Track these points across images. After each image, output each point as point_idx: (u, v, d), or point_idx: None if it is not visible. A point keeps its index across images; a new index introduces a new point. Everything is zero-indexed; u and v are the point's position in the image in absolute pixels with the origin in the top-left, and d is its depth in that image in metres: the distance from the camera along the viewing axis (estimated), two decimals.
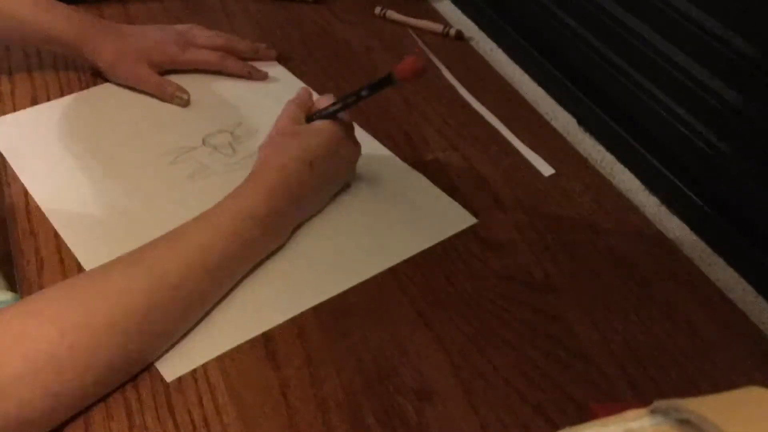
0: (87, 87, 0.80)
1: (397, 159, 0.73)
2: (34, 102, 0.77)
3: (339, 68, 0.85)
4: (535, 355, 0.57)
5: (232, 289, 0.59)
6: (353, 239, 0.64)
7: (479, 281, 0.62)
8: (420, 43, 0.91)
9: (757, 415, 0.24)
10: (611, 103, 0.76)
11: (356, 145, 0.68)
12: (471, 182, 0.72)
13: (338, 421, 0.52)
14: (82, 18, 0.77)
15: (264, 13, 0.95)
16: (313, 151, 0.63)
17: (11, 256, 0.63)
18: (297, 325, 0.58)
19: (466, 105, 0.82)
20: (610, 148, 0.76)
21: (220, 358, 0.55)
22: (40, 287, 0.58)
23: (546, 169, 0.74)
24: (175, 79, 0.79)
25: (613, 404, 0.53)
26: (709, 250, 0.66)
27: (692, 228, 0.67)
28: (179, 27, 0.82)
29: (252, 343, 0.56)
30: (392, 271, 0.63)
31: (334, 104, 0.66)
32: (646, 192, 0.72)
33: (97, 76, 0.81)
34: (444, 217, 0.67)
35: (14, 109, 0.76)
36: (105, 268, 0.54)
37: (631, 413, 0.25)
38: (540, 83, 0.84)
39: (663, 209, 0.70)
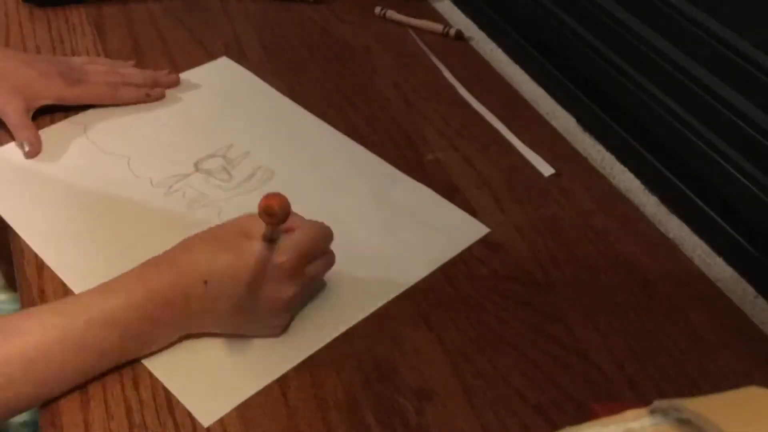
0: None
1: (400, 173, 0.71)
2: None
3: (339, 68, 0.85)
4: (535, 355, 0.57)
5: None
6: (367, 265, 0.62)
7: (479, 281, 0.62)
8: (420, 43, 0.91)
9: (757, 415, 0.24)
10: (611, 103, 0.76)
11: (289, 287, 0.53)
12: (471, 182, 0.72)
13: (338, 421, 0.52)
14: None
15: (264, 13, 0.94)
16: (217, 269, 0.51)
17: (11, 256, 0.63)
18: None
19: (466, 105, 0.82)
20: (610, 148, 0.76)
21: None
22: (40, 287, 0.58)
23: (546, 169, 0.74)
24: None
25: (613, 404, 0.53)
26: (709, 250, 0.66)
27: (692, 228, 0.67)
28: (74, 60, 0.78)
29: None
30: None
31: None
32: (646, 192, 0.72)
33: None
34: (455, 230, 0.66)
35: None
36: None
37: (631, 413, 0.25)
38: (540, 83, 0.84)
39: (663, 209, 0.70)
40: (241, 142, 0.74)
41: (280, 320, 0.56)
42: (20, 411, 0.50)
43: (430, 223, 0.67)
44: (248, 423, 0.51)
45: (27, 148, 0.70)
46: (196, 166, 0.70)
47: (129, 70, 0.79)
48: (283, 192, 0.49)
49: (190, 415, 0.51)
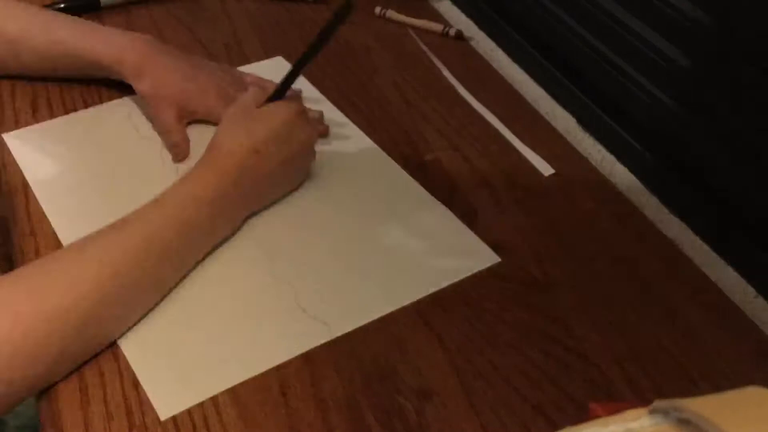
0: (87, 88, 0.80)
1: (421, 188, 0.70)
2: (34, 105, 0.77)
3: (339, 68, 0.85)
4: (535, 355, 0.57)
5: (239, 322, 0.57)
6: (372, 276, 0.62)
7: (479, 281, 0.62)
8: (420, 43, 0.91)
9: (757, 415, 0.24)
10: (611, 103, 0.76)
11: (309, 127, 0.67)
12: (471, 182, 0.72)
13: (338, 421, 0.52)
14: (124, 41, 0.73)
15: (264, 13, 0.94)
16: (260, 137, 0.63)
17: (11, 256, 0.63)
18: None
19: (466, 105, 0.82)
20: (610, 148, 0.76)
21: None
22: None
23: (546, 169, 0.74)
24: None
25: (613, 404, 0.53)
26: (709, 250, 0.66)
27: (692, 228, 0.67)
28: (239, 74, 0.78)
29: None
30: None
31: (300, 60, 0.66)
32: (646, 192, 0.72)
33: (96, 81, 0.81)
34: (466, 256, 0.64)
35: (14, 112, 0.76)
36: (57, 257, 0.55)
37: (631, 413, 0.25)
38: (540, 83, 0.84)
39: (663, 209, 0.70)
40: None
41: (308, 161, 0.69)
42: (153, 292, 0.57)
43: (442, 243, 0.65)
44: (248, 423, 0.51)
45: (174, 153, 0.72)
46: None
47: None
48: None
49: (190, 414, 0.51)
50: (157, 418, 0.51)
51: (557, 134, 0.79)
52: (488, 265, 0.63)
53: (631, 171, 0.73)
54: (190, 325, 0.57)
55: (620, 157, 0.74)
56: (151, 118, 0.75)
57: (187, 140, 0.73)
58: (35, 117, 0.75)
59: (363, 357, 0.56)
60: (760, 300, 0.62)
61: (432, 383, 0.54)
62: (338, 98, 0.81)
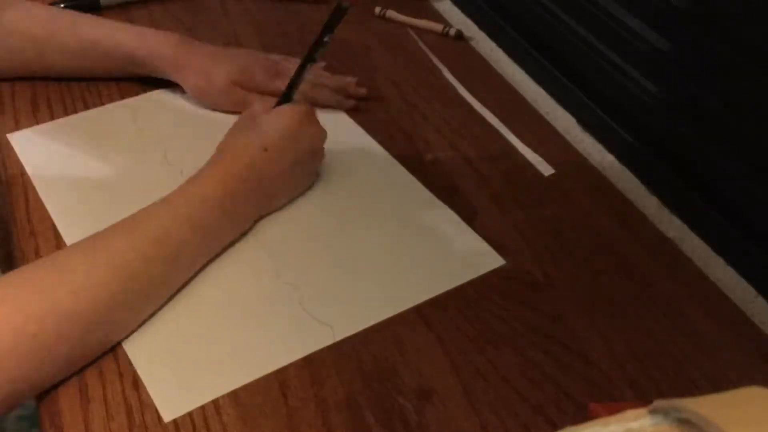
0: (88, 88, 0.80)
1: (426, 191, 0.70)
2: (34, 105, 0.77)
3: (339, 68, 0.85)
4: (535, 355, 0.57)
5: (244, 323, 0.57)
6: (377, 279, 0.62)
7: (479, 281, 0.62)
8: (420, 43, 0.91)
9: (757, 415, 0.24)
10: (611, 103, 0.76)
11: (318, 127, 0.67)
12: (471, 182, 0.72)
13: (338, 421, 0.52)
14: (159, 36, 0.75)
15: (264, 13, 0.94)
16: (270, 137, 0.63)
17: (11, 256, 0.63)
18: None
19: (466, 105, 0.82)
20: (610, 148, 0.76)
21: None
22: None
23: (546, 169, 0.74)
24: None
25: (613, 404, 0.53)
26: (709, 250, 0.66)
27: (692, 228, 0.67)
28: (271, 56, 0.80)
29: None
30: None
31: (298, 69, 0.66)
32: (646, 192, 0.72)
33: (96, 81, 0.81)
34: (471, 258, 0.64)
35: (14, 112, 0.76)
36: (67, 256, 0.54)
37: (631, 413, 0.25)
38: (540, 83, 0.84)
39: (663, 209, 0.70)
40: None
41: (317, 162, 0.68)
42: (162, 293, 0.57)
43: (448, 246, 0.65)
44: (248, 423, 0.51)
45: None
46: None
47: (322, 72, 0.81)
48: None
49: (190, 414, 0.51)
50: (157, 418, 0.51)
51: (557, 134, 0.79)
52: (493, 267, 0.63)
53: (631, 171, 0.73)
54: (194, 326, 0.57)
55: (620, 157, 0.74)
56: (226, 108, 0.76)
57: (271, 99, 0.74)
58: (35, 117, 0.76)
59: (363, 357, 0.56)
60: (760, 300, 0.62)
61: (432, 383, 0.54)
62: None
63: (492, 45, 0.91)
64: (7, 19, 0.74)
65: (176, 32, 0.77)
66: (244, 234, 0.63)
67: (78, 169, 0.70)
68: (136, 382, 0.53)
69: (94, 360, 0.54)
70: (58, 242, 0.62)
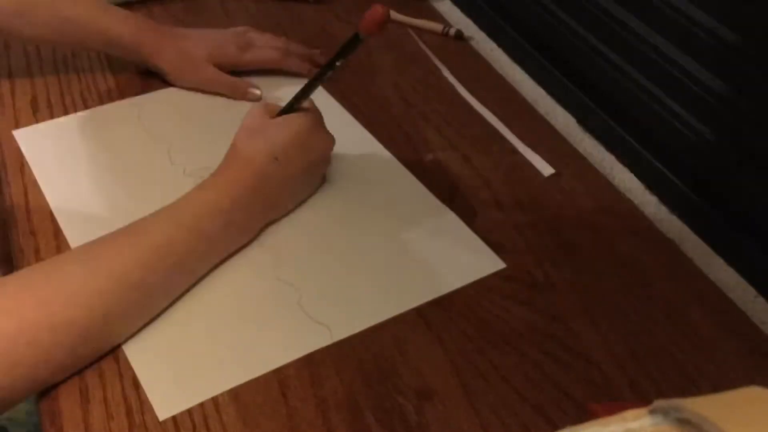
0: (87, 88, 0.80)
1: (428, 192, 0.70)
2: (34, 104, 0.77)
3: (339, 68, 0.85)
4: (535, 355, 0.57)
5: (247, 326, 0.57)
6: (376, 280, 0.61)
7: (479, 281, 0.62)
8: (420, 43, 0.91)
9: (757, 415, 0.24)
10: (611, 103, 0.76)
11: (327, 134, 0.67)
12: (471, 182, 0.72)
13: (338, 421, 0.52)
14: (140, 21, 0.77)
15: (264, 13, 0.94)
16: (279, 144, 0.62)
17: (11, 256, 0.63)
18: None
19: (466, 105, 0.82)
20: (610, 148, 0.76)
21: None
22: None
23: (546, 169, 0.74)
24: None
25: (613, 404, 0.53)
26: (709, 250, 0.66)
27: (692, 228, 0.67)
28: (236, 29, 0.82)
29: None
30: None
31: (306, 87, 0.65)
32: (646, 192, 0.72)
33: (96, 81, 0.81)
34: (471, 261, 0.64)
35: (14, 112, 0.76)
36: (64, 262, 0.54)
37: (631, 413, 0.25)
38: (540, 83, 0.84)
39: (663, 209, 0.70)
40: None
41: (325, 169, 0.68)
42: (161, 302, 0.56)
43: (449, 248, 0.65)
44: (248, 423, 0.51)
45: (258, 92, 0.79)
46: None
47: (290, 42, 0.83)
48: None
49: (190, 414, 0.51)
50: (158, 417, 0.51)
51: (557, 134, 0.79)
52: (493, 270, 0.63)
53: (631, 171, 0.73)
54: (192, 326, 0.57)
55: (620, 157, 0.74)
56: (200, 85, 0.79)
57: (240, 79, 0.79)
58: (35, 117, 0.76)
59: (363, 357, 0.56)
60: (760, 300, 0.62)
61: (432, 383, 0.54)
62: (338, 98, 0.81)
63: (492, 45, 0.91)
64: None
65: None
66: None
67: (82, 166, 0.70)
68: (136, 382, 0.53)
69: (94, 361, 0.54)
70: (58, 242, 0.62)
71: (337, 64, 0.62)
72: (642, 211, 0.71)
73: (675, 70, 0.68)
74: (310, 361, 0.55)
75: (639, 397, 0.54)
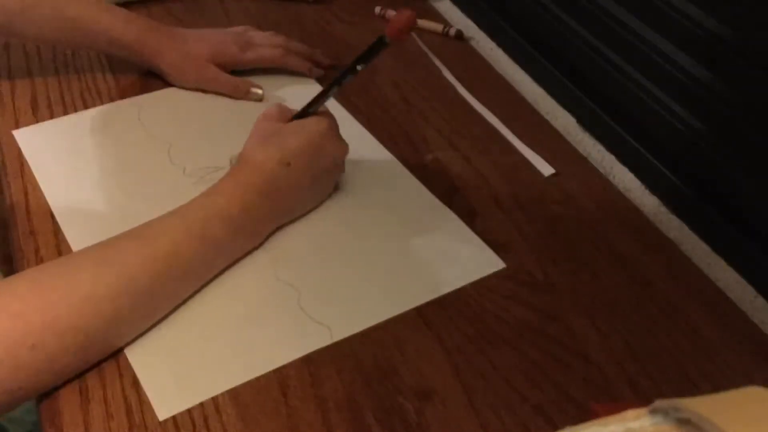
0: (87, 88, 0.80)
1: (428, 192, 0.70)
2: (34, 104, 0.77)
3: (339, 68, 0.85)
4: (535, 355, 0.57)
5: (248, 328, 0.57)
6: (376, 280, 0.61)
7: (479, 281, 0.62)
8: (420, 43, 0.91)
9: (757, 415, 0.24)
10: (611, 103, 0.76)
11: (341, 141, 0.66)
12: (471, 182, 0.72)
13: (338, 421, 0.52)
14: (141, 21, 0.77)
15: (264, 13, 0.94)
16: (292, 150, 0.61)
17: (11, 256, 0.63)
18: None
19: (466, 105, 0.82)
20: (610, 148, 0.76)
21: None
22: None
23: (546, 169, 0.74)
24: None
25: (613, 404, 0.53)
26: (709, 250, 0.66)
27: (692, 228, 0.67)
28: (236, 28, 0.82)
29: None
30: None
31: (324, 90, 0.64)
32: (646, 192, 0.72)
33: (95, 81, 0.81)
34: (471, 261, 0.63)
35: (14, 112, 0.76)
36: (71, 265, 0.53)
37: (631, 413, 0.25)
38: (540, 83, 0.84)
39: (663, 209, 0.70)
40: None
41: (337, 176, 0.68)
42: (167, 307, 0.56)
43: (449, 248, 0.65)
44: (248, 423, 0.51)
45: (260, 91, 0.79)
46: (231, 161, 0.69)
47: (291, 40, 0.83)
48: None
49: (190, 414, 0.51)
50: (158, 417, 0.51)
51: (557, 134, 0.79)
52: (493, 270, 0.63)
53: (631, 171, 0.73)
54: (192, 325, 0.57)
55: (620, 157, 0.74)
56: (201, 85, 0.78)
57: (242, 79, 0.79)
58: (35, 117, 0.76)
59: (363, 357, 0.56)
60: (760, 300, 0.62)
61: (432, 383, 0.54)
62: (338, 98, 0.81)
63: (492, 45, 0.91)
64: None
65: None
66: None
67: (82, 166, 0.70)
68: (136, 382, 0.53)
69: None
70: (58, 242, 0.62)
71: (359, 68, 0.61)
72: (642, 211, 0.71)
73: (675, 70, 0.68)
74: (310, 361, 0.55)
75: (639, 397, 0.54)
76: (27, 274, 0.52)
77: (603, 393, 0.54)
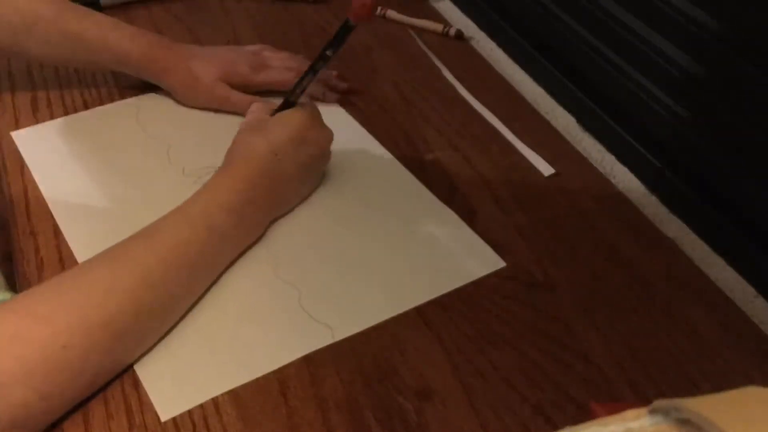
0: (87, 88, 0.80)
1: (428, 192, 0.70)
2: (34, 105, 0.77)
3: (339, 68, 0.85)
4: (535, 355, 0.57)
5: (247, 323, 0.57)
6: (377, 280, 0.61)
7: (479, 281, 0.62)
8: (420, 43, 0.91)
9: (757, 415, 0.24)
10: (611, 103, 0.76)
11: (324, 129, 0.68)
12: (471, 182, 0.72)
13: (338, 421, 0.52)
14: (150, 37, 0.75)
15: (264, 13, 0.94)
16: (278, 141, 0.63)
17: (11, 256, 0.63)
18: None
19: (466, 105, 0.82)
20: (610, 148, 0.76)
21: None
22: None
23: (546, 169, 0.74)
24: None
25: (613, 404, 0.53)
26: (709, 250, 0.66)
27: (692, 228, 0.67)
28: (250, 47, 0.80)
29: None
30: None
31: (299, 80, 0.66)
32: (646, 192, 0.72)
33: (95, 81, 0.81)
34: (471, 260, 0.63)
35: (14, 112, 0.76)
36: (89, 268, 0.54)
37: (631, 413, 0.25)
38: (540, 83, 0.84)
39: (663, 209, 0.70)
40: None
41: (325, 163, 0.69)
42: (185, 300, 0.57)
43: (449, 247, 0.65)
44: (248, 423, 0.51)
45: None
46: None
47: (303, 62, 0.80)
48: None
49: (190, 414, 0.51)
50: (157, 417, 0.51)
51: (557, 134, 0.79)
52: (493, 270, 0.63)
53: (631, 171, 0.73)
54: (193, 326, 0.57)
55: (620, 157, 0.74)
56: (212, 105, 0.77)
57: (252, 99, 0.76)
58: (35, 117, 0.76)
59: (363, 357, 0.56)
60: (760, 300, 0.62)
61: (432, 383, 0.54)
62: (338, 98, 0.81)
63: (492, 45, 0.91)
64: None
65: (170, 33, 0.77)
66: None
67: (81, 167, 0.70)
68: (136, 382, 0.53)
69: (130, 365, 0.54)
70: (58, 242, 0.62)
71: (328, 53, 0.63)
72: (642, 211, 0.71)
73: (675, 70, 0.68)
74: (310, 361, 0.55)
75: (639, 397, 0.54)
76: (48, 281, 0.53)
77: (603, 393, 0.54)
